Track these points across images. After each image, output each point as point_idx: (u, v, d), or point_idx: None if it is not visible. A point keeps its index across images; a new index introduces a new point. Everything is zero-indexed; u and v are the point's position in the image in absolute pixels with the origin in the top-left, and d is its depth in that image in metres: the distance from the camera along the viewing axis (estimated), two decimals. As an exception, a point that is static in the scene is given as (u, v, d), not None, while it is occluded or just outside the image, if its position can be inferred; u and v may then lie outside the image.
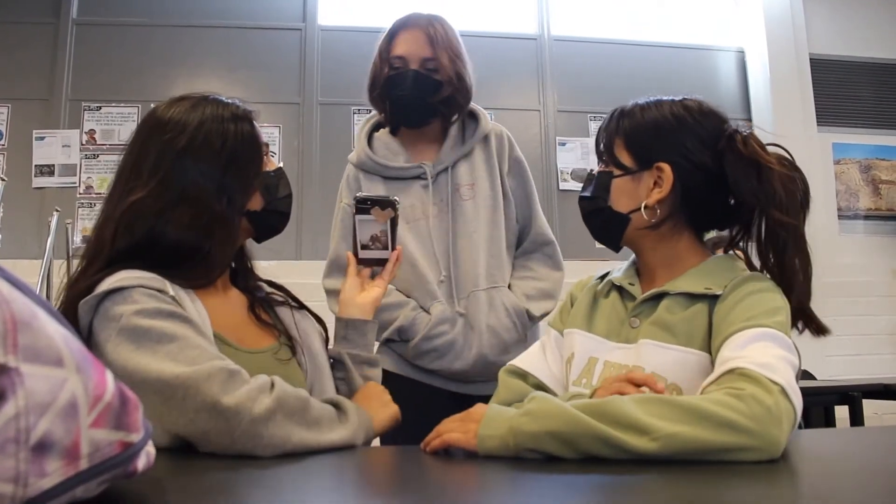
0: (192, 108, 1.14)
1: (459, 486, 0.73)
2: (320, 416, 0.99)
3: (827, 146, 4.74)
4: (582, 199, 1.21)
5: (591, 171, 1.22)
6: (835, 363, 4.16)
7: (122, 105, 4.25)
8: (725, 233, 1.20)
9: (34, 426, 0.45)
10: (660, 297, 1.11)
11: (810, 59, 4.75)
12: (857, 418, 2.74)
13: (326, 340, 1.29)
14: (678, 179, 1.11)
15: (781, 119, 4.51)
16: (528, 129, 4.57)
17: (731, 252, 1.16)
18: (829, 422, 2.98)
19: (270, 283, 1.30)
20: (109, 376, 0.53)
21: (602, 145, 1.20)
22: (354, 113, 4.39)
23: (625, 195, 1.15)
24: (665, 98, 1.18)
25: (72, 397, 0.48)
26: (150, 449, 0.60)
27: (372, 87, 1.77)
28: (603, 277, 1.25)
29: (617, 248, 1.23)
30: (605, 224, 1.18)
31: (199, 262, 1.10)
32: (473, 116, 1.83)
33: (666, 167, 1.11)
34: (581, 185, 1.25)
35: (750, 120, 4.65)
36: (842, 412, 2.86)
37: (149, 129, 1.14)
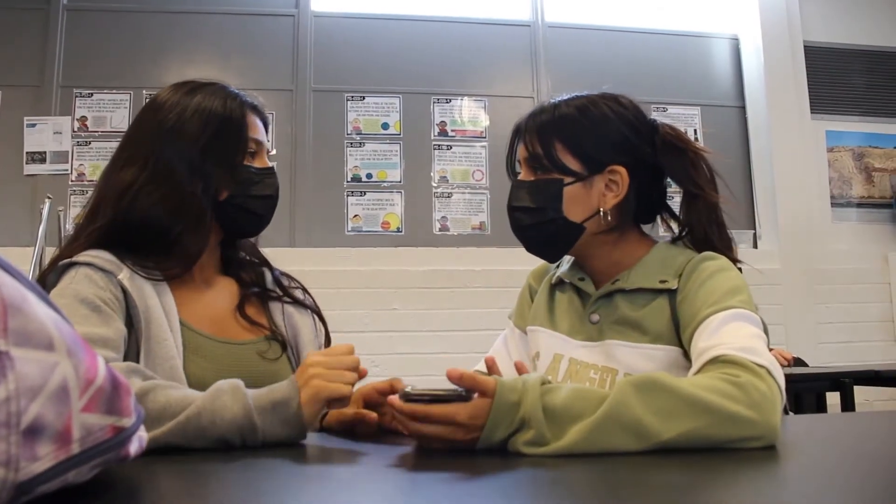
0: (189, 92, 1.14)
1: (455, 484, 0.73)
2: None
3: (820, 133, 4.73)
4: (517, 209, 1.11)
5: (517, 177, 1.14)
6: (827, 350, 4.17)
7: (113, 92, 4.21)
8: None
9: (25, 410, 0.45)
10: (616, 290, 1.10)
11: (804, 46, 4.73)
12: (848, 404, 2.76)
13: (327, 334, 1.24)
14: (633, 179, 1.09)
15: (775, 106, 4.50)
16: (522, 115, 4.55)
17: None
18: (821, 408, 3.00)
19: (276, 279, 1.25)
20: (101, 361, 0.53)
21: (536, 150, 1.10)
22: (348, 99, 4.37)
23: (578, 203, 1.08)
24: (583, 94, 1.13)
25: (63, 381, 0.48)
26: (142, 434, 0.60)
27: None
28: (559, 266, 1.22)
29: (557, 259, 1.19)
30: (554, 235, 1.10)
31: (170, 249, 1.08)
32: None
33: (622, 169, 1.08)
34: None
35: (744, 107, 4.64)
36: (833, 398, 2.88)
37: (143, 110, 1.15)
